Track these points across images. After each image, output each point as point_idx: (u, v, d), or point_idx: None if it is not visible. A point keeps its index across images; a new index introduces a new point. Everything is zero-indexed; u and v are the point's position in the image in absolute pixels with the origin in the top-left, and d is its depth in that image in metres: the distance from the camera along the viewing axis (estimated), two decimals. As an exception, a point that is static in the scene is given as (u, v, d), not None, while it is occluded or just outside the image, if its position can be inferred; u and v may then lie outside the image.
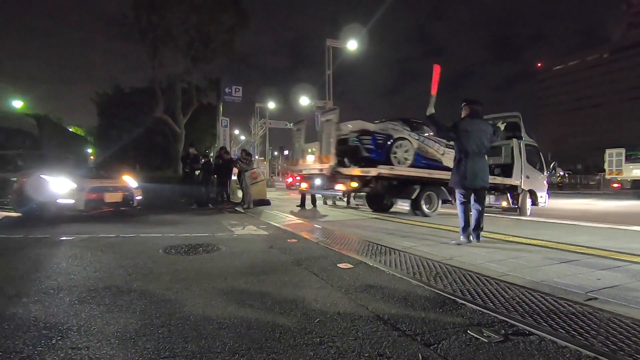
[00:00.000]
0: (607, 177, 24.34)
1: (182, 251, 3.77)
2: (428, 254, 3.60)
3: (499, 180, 8.36)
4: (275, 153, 58.73)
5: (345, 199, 10.62)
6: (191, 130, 19.01)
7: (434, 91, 4.44)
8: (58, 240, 4.31)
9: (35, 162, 7.17)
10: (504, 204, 8.70)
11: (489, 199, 8.51)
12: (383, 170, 7.12)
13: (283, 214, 7.65)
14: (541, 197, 9.36)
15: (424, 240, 4.45)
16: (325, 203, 10.88)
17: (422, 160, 7.89)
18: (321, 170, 7.78)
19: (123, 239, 4.45)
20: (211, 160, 11.61)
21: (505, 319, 1.96)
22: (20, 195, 6.24)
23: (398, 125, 7.78)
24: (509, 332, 1.80)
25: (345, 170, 7.49)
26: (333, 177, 7.77)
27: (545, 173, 9.71)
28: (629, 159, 21.27)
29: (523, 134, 8.92)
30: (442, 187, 7.74)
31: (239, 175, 10.23)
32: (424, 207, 7.60)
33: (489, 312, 2.07)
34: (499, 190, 8.64)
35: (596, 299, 2.28)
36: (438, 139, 7.89)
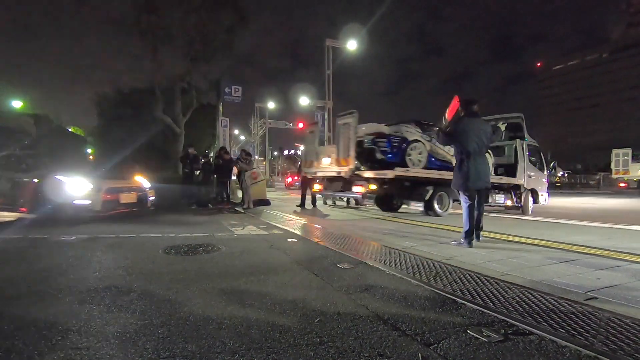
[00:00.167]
0: (614, 176, 24.56)
1: (182, 251, 3.77)
2: (428, 254, 3.59)
3: (504, 180, 8.60)
4: (275, 153, 58.71)
5: (345, 199, 10.64)
6: (191, 131, 18.99)
7: (449, 117, 4.55)
8: (58, 241, 4.30)
9: (36, 162, 7.06)
10: (509, 202, 8.96)
11: (496, 198, 8.77)
12: (399, 172, 7.28)
13: (283, 214, 7.66)
14: (542, 195, 9.69)
15: (424, 240, 4.46)
16: (325, 203, 10.88)
17: (434, 161, 8.06)
18: (339, 172, 7.92)
19: (123, 239, 4.45)
20: (211, 160, 11.61)
21: (505, 319, 1.96)
22: (36, 196, 6.04)
23: (411, 128, 7.95)
24: (509, 332, 1.80)
25: (364, 173, 7.63)
26: (350, 179, 7.92)
27: (545, 172, 10.04)
28: (636, 158, 21.43)
29: (526, 134, 9.16)
30: None
31: (238, 175, 10.24)
32: (437, 208, 7.72)
33: (488, 311, 2.07)
34: (504, 189, 8.86)
35: (596, 298, 2.29)
36: None
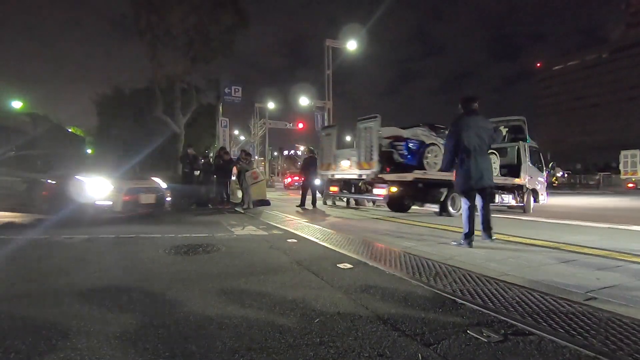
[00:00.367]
0: (622, 177, 24.69)
1: (181, 251, 3.77)
2: (428, 254, 3.59)
3: (509, 180, 8.90)
4: (275, 153, 58.72)
5: (345, 200, 10.66)
6: (191, 131, 19.01)
7: None
8: (57, 241, 4.30)
9: (51, 162, 6.77)
10: (513, 202, 9.25)
11: (503, 198, 9.04)
12: (418, 174, 7.52)
13: (283, 214, 7.65)
14: (542, 195, 10.10)
15: (424, 241, 4.46)
16: (325, 203, 10.88)
17: None
18: (360, 175, 8.08)
19: (123, 239, 4.45)
20: (211, 160, 11.60)
21: (505, 319, 1.96)
22: (56, 197, 5.84)
23: (427, 131, 8.22)
24: (509, 332, 1.80)
25: (386, 176, 7.75)
26: (371, 182, 8.07)
27: (544, 172, 10.42)
28: None
29: (527, 136, 9.50)
30: None
31: (238, 176, 10.24)
32: (450, 209, 7.84)
33: (488, 312, 2.07)
34: (507, 189, 9.11)
35: (596, 298, 2.29)
36: None
